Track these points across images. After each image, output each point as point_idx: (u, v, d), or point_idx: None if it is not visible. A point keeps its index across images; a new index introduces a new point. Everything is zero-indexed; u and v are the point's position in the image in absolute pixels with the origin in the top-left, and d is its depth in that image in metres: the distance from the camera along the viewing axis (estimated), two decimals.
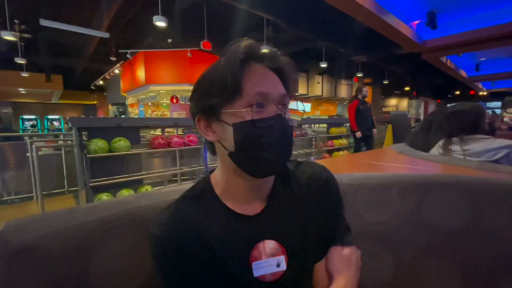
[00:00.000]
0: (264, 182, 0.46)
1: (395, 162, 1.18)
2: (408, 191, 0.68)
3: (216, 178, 0.47)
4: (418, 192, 0.67)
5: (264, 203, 0.47)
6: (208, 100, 0.42)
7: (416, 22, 5.81)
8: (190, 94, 0.46)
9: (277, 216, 0.46)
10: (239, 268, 0.42)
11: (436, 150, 1.24)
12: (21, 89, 10.21)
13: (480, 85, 13.51)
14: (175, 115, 8.41)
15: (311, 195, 0.48)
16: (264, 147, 0.40)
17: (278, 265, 0.43)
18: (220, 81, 0.40)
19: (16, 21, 6.19)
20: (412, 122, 7.10)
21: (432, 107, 14.82)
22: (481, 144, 1.07)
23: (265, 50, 0.43)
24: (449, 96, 15.03)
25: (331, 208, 0.49)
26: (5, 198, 3.20)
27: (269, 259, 0.43)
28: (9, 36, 5.16)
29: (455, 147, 1.13)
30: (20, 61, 6.73)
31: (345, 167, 1.10)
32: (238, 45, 0.42)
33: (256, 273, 0.43)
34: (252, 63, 0.41)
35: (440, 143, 1.23)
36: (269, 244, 0.44)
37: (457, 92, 14.31)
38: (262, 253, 0.43)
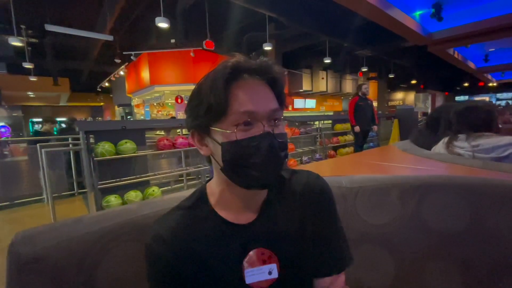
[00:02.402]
0: (257, 192, 0.47)
1: (398, 161, 1.17)
2: (408, 193, 0.68)
3: (212, 187, 0.49)
4: (418, 194, 0.67)
5: (257, 211, 0.48)
6: (198, 118, 0.42)
7: (419, 12, 5.68)
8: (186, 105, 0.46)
9: (270, 224, 0.47)
10: (232, 277, 0.44)
11: (441, 147, 1.22)
12: (29, 93, 10.43)
13: (489, 76, 13.17)
14: (180, 114, 8.47)
15: (306, 204, 0.49)
16: (251, 166, 0.40)
17: (269, 273, 0.44)
18: (207, 101, 0.40)
19: (22, 26, 6.32)
20: (419, 116, 6.98)
21: (439, 99, 14.56)
22: (491, 140, 1.05)
23: (255, 63, 0.42)
24: (458, 88, 14.72)
25: (326, 219, 0.49)
26: (18, 201, 3.29)
27: (261, 267, 0.44)
28: (16, 42, 5.26)
29: (463, 144, 1.12)
30: (27, 65, 6.86)
31: (348, 168, 1.10)
32: (225, 63, 0.41)
33: (248, 280, 0.44)
34: (239, 81, 0.41)
35: (446, 139, 1.21)
36: (261, 252, 0.45)
37: (466, 84, 13.98)
38: (255, 261, 0.44)
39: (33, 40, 7.21)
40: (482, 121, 1.11)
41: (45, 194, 3.11)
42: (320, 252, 0.48)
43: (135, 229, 0.52)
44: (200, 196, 0.49)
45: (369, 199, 0.69)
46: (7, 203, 3.20)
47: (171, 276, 0.42)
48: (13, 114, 11.45)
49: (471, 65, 10.00)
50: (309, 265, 0.48)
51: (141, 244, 0.52)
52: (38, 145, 3.05)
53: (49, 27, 4.38)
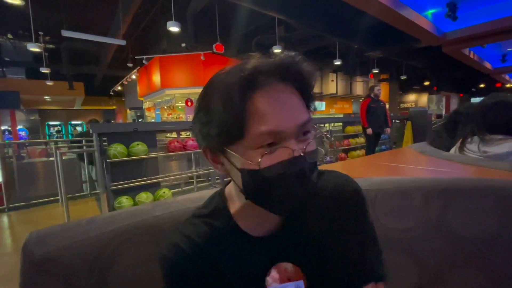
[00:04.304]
0: None
1: (416, 163, 1.13)
2: (432, 196, 0.64)
3: (231, 194, 0.44)
4: (443, 198, 0.63)
5: (281, 222, 0.43)
6: (208, 138, 0.36)
7: (431, 11, 5.55)
8: (192, 119, 0.39)
9: (295, 236, 0.42)
10: None
11: (454, 149, 1.16)
12: (46, 97, 10.80)
13: (507, 77, 12.71)
14: (190, 117, 8.56)
15: (335, 210, 0.43)
16: (278, 198, 0.35)
17: None
18: (218, 120, 0.33)
19: (40, 33, 6.57)
20: (433, 118, 6.79)
21: (454, 101, 14.14)
22: (504, 145, 0.94)
23: (277, 61, 0.34)
24: (473, 89, 14.27)
25: (359, 227, 0.43)
26: (34, 201, 3.38)
27: (286, 284, 0.40)
28: (34, 48, 5.46)
29: (474, 148, 1.04)
30: (45, 70, 7.12)
31: (363, 170, 1.06)
32: (240, 68, 0.33)
33: None
34: (258, 91, 0.33)
35: (460, 141, 1.14)
36: (286, 267, 0.41)
37: (482, 85, 13.55)
38: (278, 277, 0.40)
39: (50, 46, 7.49)
40: (503, 121, 0.97)
41: (60, 195, 3.18)
42: (350, 267, 0.42)
43: (148, 231, 0.51)
44: (219, 203, 0.43)
45: (390, 202, 0.66)
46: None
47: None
48: (31, 118, 11.89)
49: (488, 65, 9.68)
50: (338, 277, 0.42)
51: (153, 246, 0.51)
52: (54, 147, 3.13)
53: (66, 33, 4.53)
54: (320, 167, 0.58)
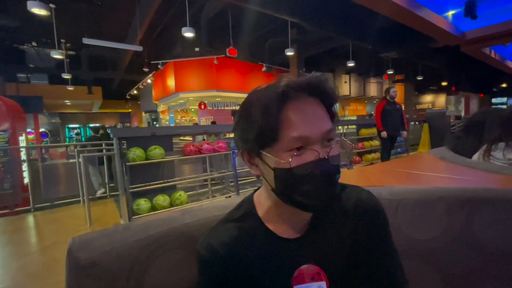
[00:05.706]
0: None
1: (436, 171, 1.10)
2: (456, 206, 0.63)
3: (260, 199, 0.49)
4: (467, 208, 0.62)
5: (306, 226, 0.47)
6: (247, 142, 0.42)
7: (451, 12, 5.39)
8: (234, 125, 0.45)
9: (320, 240, 0.46)
10: None
11: (478, 156, 1.13)
12: (67, 101, 11.28)
13: None
14: (203, 120, 8.70)
15: (358, 221, 0.47)
16: (305, 194, 0.40)
17: None
18: (258, 126, 0.39)
19: (62, 40, 6.89)
20: (451, 120, 6.56)
21: (474, 102, 13.62)
22: None
23: (305, 80, 0.40)
24: (494, 89, 13.68)
25: (380, 239, 0.47)
26: (57, 202, 3.54)
27: (310, 284, 0.43)
28: (57, 55, 5.74)
29: (500, 155, 1.01)
30: (66, 76, 7.45)
31: (380, 178, 1.05)
32: (276, 84, 0.40)
33: None
34: (290, 102, 0.39)
35: (484, 147, 1.11)
36: (310, 269, 0.44)
37: (504, 85, 12.97)
38: (303, 277, 0.44)
39: (71, 52, 7.83)
40: None
41: (81, 196, 3.31)
42: (372, 273, 0.46)
43: (179, 238, 0.53)
44: (248, 207, 0.49)
45: (412, 212, 0.66)
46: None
47: (223, 286, 0.43)
48: (52, 121, 12.43)
49: (511, 64, 9.27)
50: (360, 285, 0.46)
51: (184, 252, 0.53)
52: (76, 150, 3.27)
53: (86, 41, 4.73)
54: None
